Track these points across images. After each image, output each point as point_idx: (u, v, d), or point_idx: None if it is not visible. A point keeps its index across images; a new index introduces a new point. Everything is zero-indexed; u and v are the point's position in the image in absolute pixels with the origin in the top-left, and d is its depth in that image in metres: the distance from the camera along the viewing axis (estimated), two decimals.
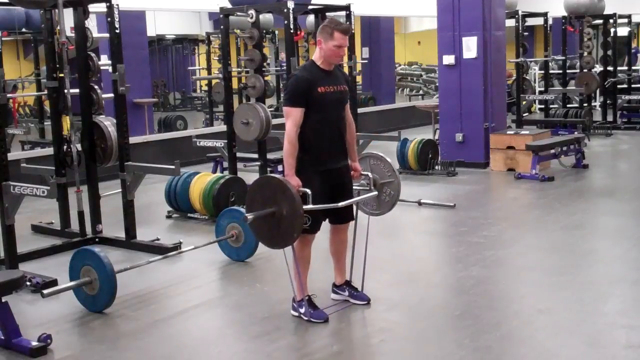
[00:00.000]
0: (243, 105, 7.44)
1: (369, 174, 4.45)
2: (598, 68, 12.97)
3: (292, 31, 6.86)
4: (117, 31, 5.78)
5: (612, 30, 12.86)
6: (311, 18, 10.37)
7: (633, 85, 13.72)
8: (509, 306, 4.54)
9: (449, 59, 9.29)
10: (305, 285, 4.26)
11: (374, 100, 15.44)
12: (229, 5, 7.63)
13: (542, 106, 13.20)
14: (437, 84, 12.66)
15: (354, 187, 4.39)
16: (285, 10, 6.77)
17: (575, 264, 5.29)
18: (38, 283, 4.91)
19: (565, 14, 12.38)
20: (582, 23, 12.12)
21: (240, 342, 4.10)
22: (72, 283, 4.52)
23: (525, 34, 11.40)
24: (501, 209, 7.46)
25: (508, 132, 9.30)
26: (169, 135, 11.18)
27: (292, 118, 4.04)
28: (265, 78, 8.60)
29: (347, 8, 7.70)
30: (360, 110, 10.04)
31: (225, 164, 7.90)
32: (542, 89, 12.93)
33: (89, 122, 6.01)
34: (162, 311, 4.60)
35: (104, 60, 6.96)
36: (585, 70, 12.21)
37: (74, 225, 6.33)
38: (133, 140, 7.04)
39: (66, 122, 6.04)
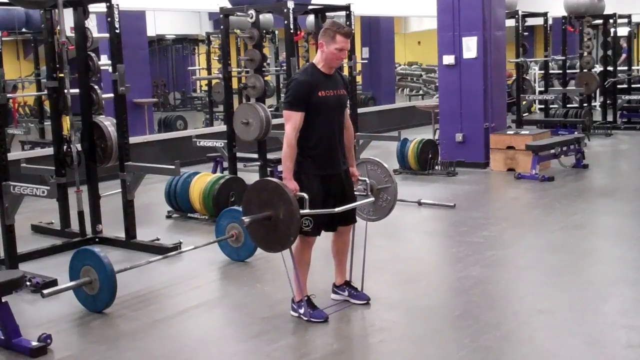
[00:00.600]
0: (243, 105, 7.43)
1: (367, 179, 4.46)
2: (598, 68, 12.98)
3: (292, 31, 6.86)
4: (117, 31, 5.78)
5: (612, 30, 12.87)
6: (311, 18, 10.36)
7: (633, 85, 13.71)
8: (509, 306, 4.54)
9: (449, 59, 9.29)
10: (305, 287, 4.26)
11: (374, 100, 15.44)
12: (229, 5, 7.62)
13: (542, 106, 13.19)
14: (437, 84, 12.64)
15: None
16: (285, 10, 6.77)
17: (575, 264, 5.29)
18: (38, 283, 4.91)
19: (565, 14, 12.38)
20: (582, 23, 12.11)
21: (240, 342, 4.10)
22: (72, 283, 4.52)
23: (525, 34, 11.38)
24: (501, 209, 7.45)
25: (508, 132, 9.30)
26: (169, 135, 11.17)
27: (292, 122, 4.04)
28: (265, 78, 8.60)
29: (347, 8, 7.68)
30: (360, 110, 10.01)
31: (225, 164, 7.90)
32: (542, 89, 12.92)
33: (89, 122, 6.01)
34: (162, 311, 4.59)
35: (104, 60, 6.97)
36: (585, 70, 12.21)
37: (74, 225, 6.33)
38: (133, 140, 7.06)
39: (66, 122, 6.04)
